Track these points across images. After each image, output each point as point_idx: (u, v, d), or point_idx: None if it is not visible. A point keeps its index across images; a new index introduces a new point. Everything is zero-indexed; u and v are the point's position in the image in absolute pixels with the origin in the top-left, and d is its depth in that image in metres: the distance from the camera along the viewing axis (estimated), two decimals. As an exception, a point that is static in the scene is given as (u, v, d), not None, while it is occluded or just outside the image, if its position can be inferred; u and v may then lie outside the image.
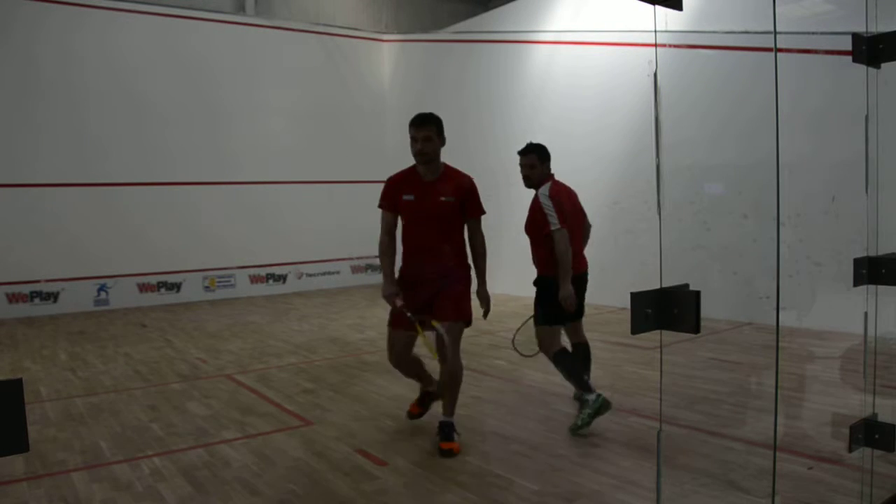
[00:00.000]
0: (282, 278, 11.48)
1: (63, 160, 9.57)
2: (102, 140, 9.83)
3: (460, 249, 3.66)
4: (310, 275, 11.75)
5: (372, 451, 3.59)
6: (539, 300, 4.05)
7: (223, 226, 10.77)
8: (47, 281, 9.49)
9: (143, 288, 10.23)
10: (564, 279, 3.84)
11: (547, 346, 3.99)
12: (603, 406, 3.72)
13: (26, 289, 9.38)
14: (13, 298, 9.28)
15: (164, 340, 7.25)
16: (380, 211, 3.69)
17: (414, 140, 3.51)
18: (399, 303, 3.55)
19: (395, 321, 3.68)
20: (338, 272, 12.02)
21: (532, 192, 4.08)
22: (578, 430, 3.71)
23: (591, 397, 3.75)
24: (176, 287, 10.50)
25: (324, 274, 11.89)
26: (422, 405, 3.99)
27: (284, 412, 4.41)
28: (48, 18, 9.42)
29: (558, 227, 3.85)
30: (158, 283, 10.36)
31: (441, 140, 3.57)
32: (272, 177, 11.28)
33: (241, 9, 11.49)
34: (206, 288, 10.77)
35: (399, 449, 3.62)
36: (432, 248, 3.60)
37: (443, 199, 3.54)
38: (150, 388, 5.17)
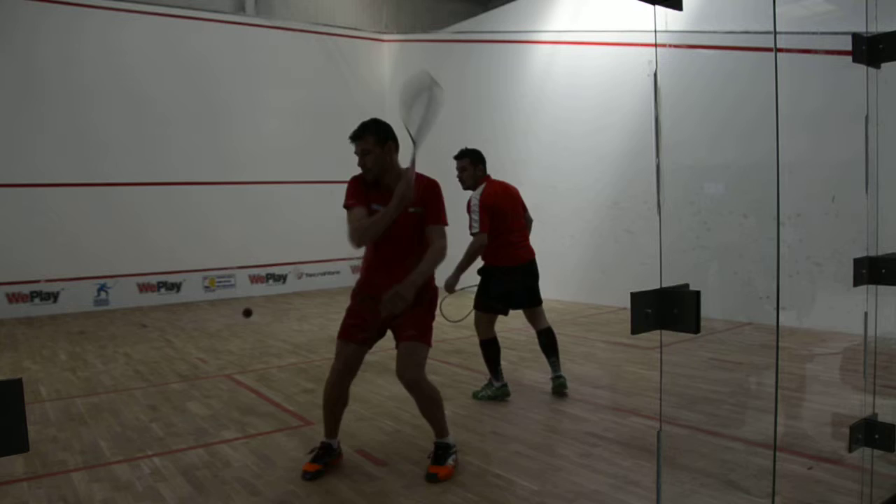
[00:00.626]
0: (282, 278, 11.48)
1: (63, 160, 9.56)
2: (103, 140, 9.83)
3: None
4: (310, 275, 11.74)
5: (372, 451, 3.59)
6: (482, 288, 4.46)
7: (223, 226, 10.76)
8: (47, 281, 9.49)
9: (143, 288, 10.23)
10: (458, 271, 4.26)
11: (480, 330, 4.47)
12: (502, 396, 4.47)
13: (26, 289, 9.37)
14: (13, 298, 9.28)
15: (164, 340, 7.25)
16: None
17: (356, 155, 3.23)
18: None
19: (349, 333, 3.34)
20: (338, 272, 12.01)
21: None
22: (476, 397, 4.50)
23: (498, 384, 4.47)
24: (176, 287, 10.50)
25: (324, 274, 11.88)
26: (320, 460, 3.30)
27: (284, 412, 4.42)
28: (48, 18, 9.42)
29: (478, 230, 4.24)
30: (158, 283, 10.36)
31: (384, 149, 3.17)
32: (272, 177, 11.27)
33: (241, 9, 11.48)
34: (206, 288, 10.77)
35: (399, 449, 3.62)
36: (398, 263, 3.17)
37: (411, 210, 3.14)
38: (150, 388, 5.17)
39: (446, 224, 3.25)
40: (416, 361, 3.17)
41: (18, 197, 9.27)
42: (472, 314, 4.57)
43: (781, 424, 3.70)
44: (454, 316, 4.70)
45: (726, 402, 4.26)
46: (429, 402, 3.23)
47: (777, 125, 2.16)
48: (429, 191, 3.22)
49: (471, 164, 4.43)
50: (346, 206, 3.25)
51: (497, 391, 4.48)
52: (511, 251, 4.41)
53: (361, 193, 3.23)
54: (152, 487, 3.17)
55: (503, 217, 4.36)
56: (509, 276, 4.40)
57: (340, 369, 3.28)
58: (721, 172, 7.18)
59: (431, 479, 3.15)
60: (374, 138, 3.18)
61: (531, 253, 4.54)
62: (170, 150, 10.38)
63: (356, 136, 3.22)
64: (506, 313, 4.54)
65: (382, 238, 3.16)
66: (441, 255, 3.19)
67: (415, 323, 3.21)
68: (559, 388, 4.50)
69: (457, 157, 4.49)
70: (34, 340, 7.48)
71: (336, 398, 3.32)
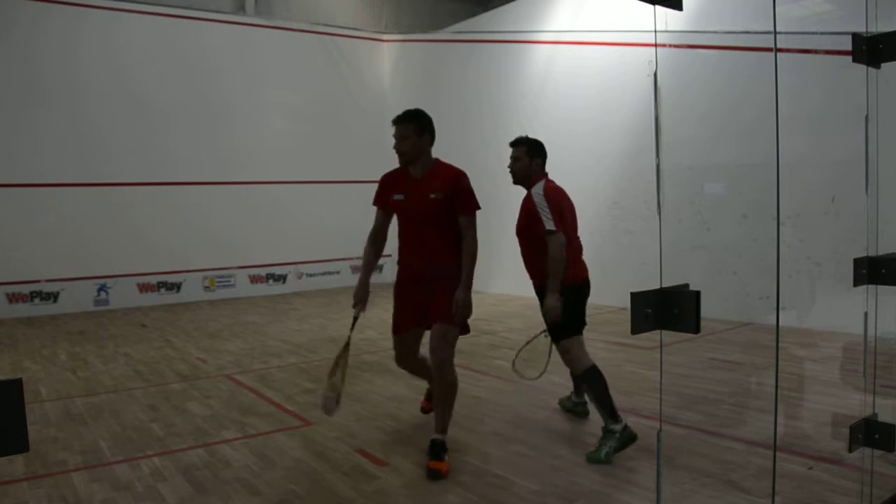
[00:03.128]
0: (282, 278, 11.48)
1: (63, 160, 9.56)
2: (103, 140, 9.83)
3: (456, 248, 3.45)
4: (310, 275, 11.75)
5: (372, 451, 3.59)
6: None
7: (223, 226, 10.76)
8: (47, 281, 9.49)
9: (143, 288, 10.23)
10: (553, 287, 3.49)
11: (577, 359, 3.57)
12: (629, 440, 3.35)
13: (26, 289, 9.37)
14: (13, 298, 9.27)
15: (164, 340, 7.25)
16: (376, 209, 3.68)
17: (394, 138, 3.48)
18: (360, 311, 3.53)
19: (397, 328, 3.63)
20: (338, 272, 12.01)
21: (521, 190, 3.82)
22: (597, 460, 3.30)
23: (619, 427, 3.36)
24: (176, 287, 10.50)
25: (324, 274, 11.89)
26: (431, 400, 3.95)
27: (284, 412, 4.41)
28: (48, 18, 9.42)
29: (553, 228, 3.49)
30: (158, 283, 10.36)
31: (422, 139, 3.43)
32: (272, 177, 11.28)
33: (241, 9, 11.49)
34: (206, 288, 10.77)
35: (399, 449, 3.62)
36: (425, 248, 3.48)
37: (432, 196, 3.39)
38: (150, 388, 5.17)
39: (476, 209, 3.46)
40: (448, 341, 3.39)
41: (18, 197, 9.27)
42: (551, 351, 3.80)
43: (781, 424, 3.70)
44: (530, 371, 3.89)
45: (726, 402, 4.26)
46: (447, 388, 3.40)
47: (777, 125, 2.16)
48: (453, 181, 3.43)
49: (526, 153, 3.76)
50: (373, 203, 3.66)
51: (623, 436, 3.36)
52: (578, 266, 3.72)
53: (382, 194, 3.61)
54: (152, 487, 3.17)
55: (569, 219, 3.70)
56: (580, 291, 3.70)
57: (398, 356, 3.75)
58: (721, 172, 7.18)
59: (434, 475, 3.18)
60: (415, 126, 3.43)
61: (586, 270, 3.80)
62: (170, 150, 10.38)
63: (399, 120, 3.46)
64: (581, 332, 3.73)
65: (411, 227, 3.51)
66: (474, 246, 3.44)
67: (447, 303, 3.39)
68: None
69: (512, 144, 3.85)
70: (34, 340, 7.48)
71: (411, 370, 3.87)
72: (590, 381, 3.52)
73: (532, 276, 3.75)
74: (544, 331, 3.74)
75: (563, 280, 3.53)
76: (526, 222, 3.71)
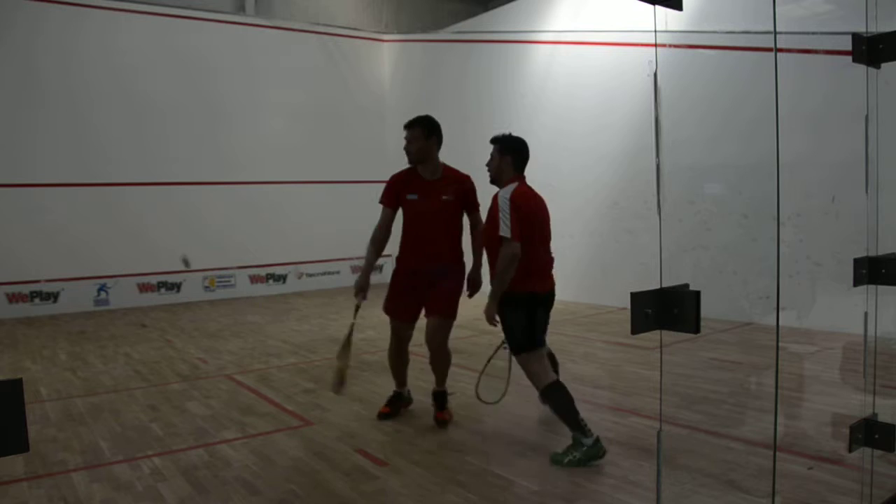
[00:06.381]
0: (282, 278, 11.48)
1: (63, 160, 9.56)
2: (102, 140, 9.82)
3: (457, 246, 3.96)
4: (310, 275, 11.74)
5: (372, 451, 3.59)
6: (510, 322, 3.46)
7: (223, 226, 10.75)
8: (47, 281, 9.48)
9: (143, 288, 10.22)
10: (492, 293, 3.41)
11: (537, 375, 3.43)
12: (598, 455, 3.25)
13: (26, 289, 9.37)
14: (13, 298, 9.27)
15: (163, 340, 7.25)
16: (381, 207, 3.98)
17: (405, 140, 3.89)
18: (361, 300, 3.93)
19: (397, 313, 4.01)
20: (338, 272, 12.01)
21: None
22: (559, 462, 3.28)
23: (588, 440, 3.26)
24: (176, 287, 10.50)
25: (324, 274, 11.88)
26: (391, 406, 4.21)
27: (284, 412, 4.41)
28: (48, 18, 9.41)
29: (508, 236, 3.32)
30: (158, 283, 10.36)
31: (429, 142, 3.84)
32: (272, 177, 11.27)
33: (241, 9, 11.48)
34: (206, 288, 10.76)
35: (399, 449, 3.62)
36: (432, 246, 3.87)
37: (444, 198, 3.82)
38: (150, 388, 5.17)
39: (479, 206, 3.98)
40: (443, 334, 3.87)
41: (18, 197, 9.26)
42: (511, 367, 3.66)
43: (781, 424, 3.70)
44: (491, 396, 3.79)
45: (726, 402, 4.26)
46: (444, 361, 3.98)
47: (777, 125, 2.16)
48: (463, 183, 3.92)
49: (498, 152, 3.57)
50: (380, 201, 3.97)
51: (591, 451, 3.26)
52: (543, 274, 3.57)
53: (393, 193, 3.93)
54: (152, 487, 3.17)
55: (537, 227, 3.52)
56: (536, 305, 3.51)
57: (397, 343, 4.06)
58: (721, 172, 7.18)
59: (442, 424, 3.91)
60: (423, 130, 3.83)
61: (552, 281, 3.70)
62: (169, 150, 10.37)
63: (409, 125, 3.88)
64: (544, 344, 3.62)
65: (421, 225, 3.87)
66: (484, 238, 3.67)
67: (444, 298, 3.83)
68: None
69: (491, 141, 3.66)
70: (34, 340, 7.47)
71: (399, 362, 4.13)
72: (550, 398, 3.41)
73: (490, 279, 3.52)
74: (503, 342, 3.58)
75: (514, 288, 3.37)
76: (488, 225, 3.50)
